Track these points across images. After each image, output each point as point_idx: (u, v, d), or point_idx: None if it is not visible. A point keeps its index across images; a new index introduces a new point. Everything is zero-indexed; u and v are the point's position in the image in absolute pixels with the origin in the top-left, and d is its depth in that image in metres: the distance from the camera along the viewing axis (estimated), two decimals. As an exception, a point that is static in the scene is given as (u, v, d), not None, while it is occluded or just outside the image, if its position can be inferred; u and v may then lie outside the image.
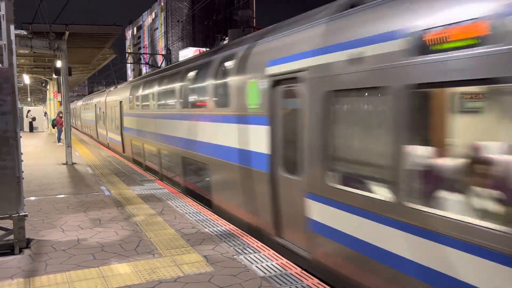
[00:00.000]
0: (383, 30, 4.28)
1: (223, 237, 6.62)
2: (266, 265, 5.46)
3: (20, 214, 6.11)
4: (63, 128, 18.55)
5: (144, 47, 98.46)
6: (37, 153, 19.48)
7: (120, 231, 7.01)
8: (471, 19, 3.41)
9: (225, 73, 8.03)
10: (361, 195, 4.55)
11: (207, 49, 47.66)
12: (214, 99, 8.48)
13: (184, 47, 69.05)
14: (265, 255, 5.81)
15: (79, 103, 40.78)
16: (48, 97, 34.58)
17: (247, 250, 6.04)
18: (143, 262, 5.60)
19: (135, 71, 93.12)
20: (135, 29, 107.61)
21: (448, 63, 3.56)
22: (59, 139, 24.21)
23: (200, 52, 52.34)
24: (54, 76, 24.85)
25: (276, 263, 5.51)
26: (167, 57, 40.88)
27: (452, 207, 3.69)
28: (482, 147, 3.68)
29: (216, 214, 8.14)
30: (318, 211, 5.22)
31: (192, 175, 9.99)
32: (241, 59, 7.38)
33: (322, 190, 5.11)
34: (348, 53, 4.71)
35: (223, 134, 7.93)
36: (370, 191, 4.55)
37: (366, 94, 4.63)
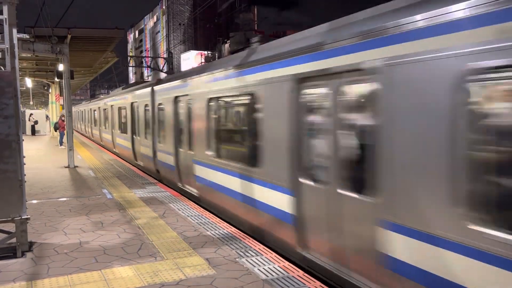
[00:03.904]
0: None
1: (225, 240, 6.61)
2: (268, 267, 5.45)
3: (22, 217, 6.12)
4: (65, 132, 18.60)
5: (146, 51, 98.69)
6: (39, 156, 19.52)
7: (122, 234, 7.01)
8: None
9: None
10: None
11: (209, 52, 47.77)
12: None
13: (185, 50, 69.08)
14: (267, 258, 5.80)
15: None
16: (50, 100, 34.63)
17: (249, 252, 6.03)
18: (145, 265, 5.60)
19: (137, 74, 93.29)
20: (136, 32, 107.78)
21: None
22: (61, 143, 24.25)
23: (201, 55, 52.49)
24: (56, 79, 24.87)
25: (278, 266, 5.50)
26: (169, 60, 40.96)
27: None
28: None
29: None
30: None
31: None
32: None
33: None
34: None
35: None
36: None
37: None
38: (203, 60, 45.80)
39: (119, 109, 19.56)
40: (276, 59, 6.12)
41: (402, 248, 4.03)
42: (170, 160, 11.47)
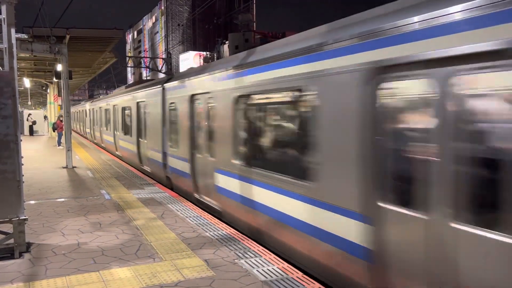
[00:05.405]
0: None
1: (224, 241, 6.59)
2: (267, 269, 5.43)
3: (20, 218, 6.09)
4: (63, 132, 18.57)
5: (144, 51, 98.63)
6: (38, 156, 19.47)
7: (120, 235, 6.98)
8: None
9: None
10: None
11: (208, 53, 47.73)
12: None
13: (184, 51, 69.01)
14: (266, 259, 5.78)
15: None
16: (48, 100, 34.63)
17: (248, 254, 6.01)
18: (144, 266, 5.58)
19: (136, 74, 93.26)
20: (135, 33, 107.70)
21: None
22: (59, 143, 24.22)
23: (200, 56, 52.40)
24: (54, 79, 24.95)
25: (277, 267, 5.48)
26: (168, 61, 40.94)
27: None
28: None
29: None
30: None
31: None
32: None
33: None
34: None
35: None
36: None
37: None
38: (202, 61, 45.77)
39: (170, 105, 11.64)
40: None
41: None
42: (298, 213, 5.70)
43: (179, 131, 10.60)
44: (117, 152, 19.74)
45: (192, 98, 9.77)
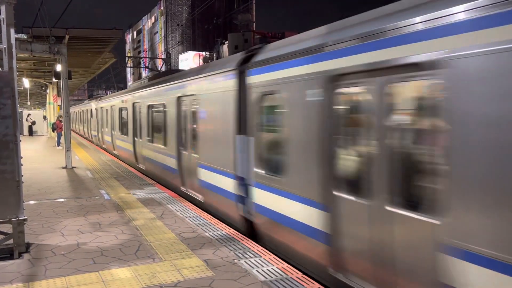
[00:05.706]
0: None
1: (223, 241, 6.59)
2: (267, 269, 5.43)
3: (20, 218, 6.09)
4: (62, 132, 18.57)
5: (144, 51, 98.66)
6: (37, 157, 19.46)
7: (120, 235, 6.98)
8: None
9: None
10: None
11: (207, 53, 47.76)
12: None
13: (184, 51, 69.05)
14: (265, 260, 5.78)
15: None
16: (47, 101, 34.62)
17: (247, 254, 6.01)
18: (143, 266, 5.57)
19: (135, 75, 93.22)
20: (135, 33, 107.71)
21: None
22: (58, 143, 24.22)
23: (199, 56, 52.28)
24: (54, 80, 24.94)
25: (277, 268, 5.48)
26: (167, 61, 40.95)
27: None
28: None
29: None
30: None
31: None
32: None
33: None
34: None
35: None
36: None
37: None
38: (201, 61, 45.74)
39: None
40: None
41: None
42: None
43: (292, 146, 5.89)
44: (138, 165, 15.28)
45: (336, 83, 5.02)
